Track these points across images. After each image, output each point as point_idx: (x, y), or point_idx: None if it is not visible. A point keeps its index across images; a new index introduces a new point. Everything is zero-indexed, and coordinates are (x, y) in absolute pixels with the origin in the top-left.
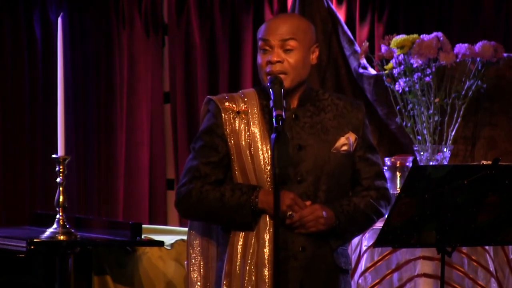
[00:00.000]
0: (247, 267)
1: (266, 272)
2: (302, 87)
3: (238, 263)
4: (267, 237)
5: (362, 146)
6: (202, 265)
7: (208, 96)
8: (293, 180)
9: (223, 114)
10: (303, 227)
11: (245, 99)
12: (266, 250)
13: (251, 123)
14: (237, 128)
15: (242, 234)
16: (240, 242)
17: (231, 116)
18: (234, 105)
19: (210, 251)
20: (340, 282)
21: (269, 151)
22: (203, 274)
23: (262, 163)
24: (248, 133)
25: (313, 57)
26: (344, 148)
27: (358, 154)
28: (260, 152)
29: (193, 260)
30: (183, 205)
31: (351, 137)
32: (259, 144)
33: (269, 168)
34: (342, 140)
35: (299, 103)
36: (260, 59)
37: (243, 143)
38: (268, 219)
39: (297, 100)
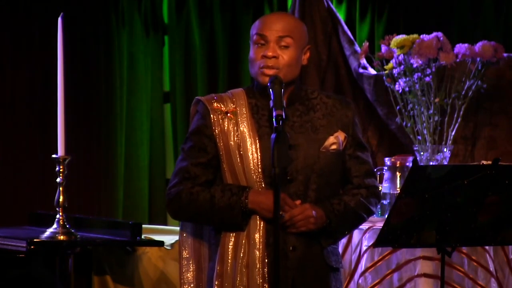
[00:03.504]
0: (238, 268)
1: (257, 272)
2: (292, 86)
3: (229, 264)
4: (257, 237)
5: (352, 144)
6: (194, 266)
7: (197, 97)
8: (284, 179)
9: (212, 115)
10: (294, 226)
11: (234, 99)
12: (257, 250)
13: (240, 123)
14: (226, 128)
15: (232, 235)
16: (231, 243)
17: (219, 116)
18: (222, 106)
19: (202, 252)
20: (331, 280)
21: (258, 151)
22: (195, 274)
23: (251, 163)
24: (237, 134)
25: (305, 58)
26: (334, 147)
27: (348, 152)
28: (249, 153)
29: (185, 261)
30: (173, 206)
31: (341, 135)
32: (248, 144)
33: (259, 168)
34: (331, 139)
35: (288, 103)
36: (253, 53)
37: (232, 143)
38: (258, 220)
39: (286, 100)
